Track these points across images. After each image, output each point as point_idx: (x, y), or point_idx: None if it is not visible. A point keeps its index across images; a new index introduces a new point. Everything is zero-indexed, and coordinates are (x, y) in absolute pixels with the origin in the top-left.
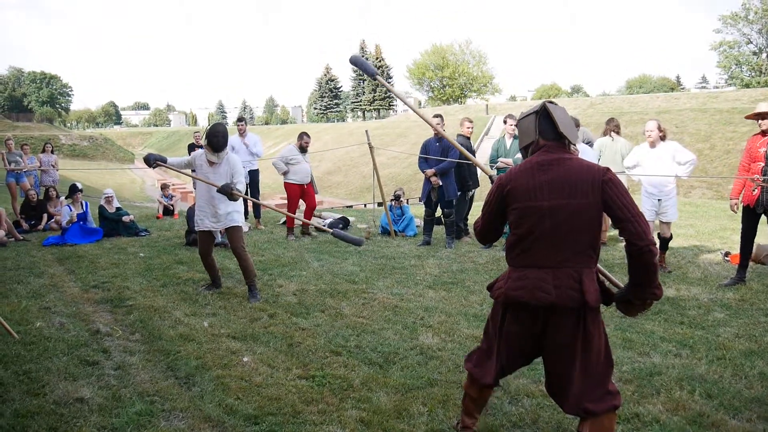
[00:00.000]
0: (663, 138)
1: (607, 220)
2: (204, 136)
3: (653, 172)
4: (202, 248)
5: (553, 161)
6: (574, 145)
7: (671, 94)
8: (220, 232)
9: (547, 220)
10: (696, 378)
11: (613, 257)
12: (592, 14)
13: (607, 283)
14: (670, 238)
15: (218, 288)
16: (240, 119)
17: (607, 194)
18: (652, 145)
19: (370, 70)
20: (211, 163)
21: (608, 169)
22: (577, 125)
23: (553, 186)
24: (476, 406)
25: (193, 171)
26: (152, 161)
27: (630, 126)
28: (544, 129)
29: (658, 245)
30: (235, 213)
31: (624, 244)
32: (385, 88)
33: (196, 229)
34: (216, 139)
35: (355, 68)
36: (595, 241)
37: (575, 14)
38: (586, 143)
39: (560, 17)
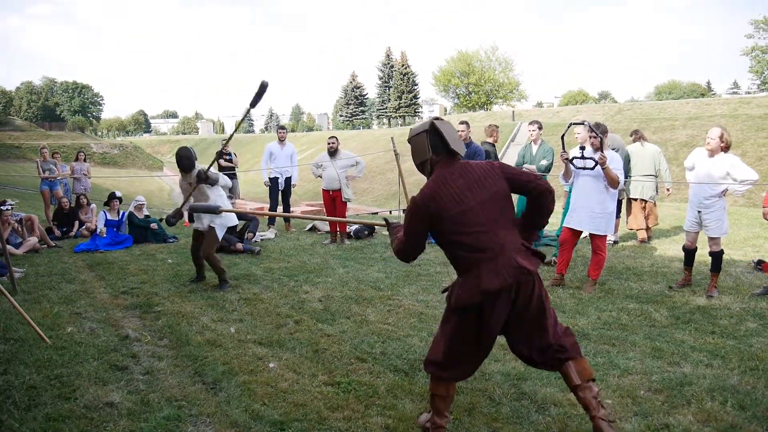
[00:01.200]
0: (725, 149)
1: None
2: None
3: (701, 180)
4: (193, 244)
5: (458, 168)
6: (461, 156)
7: (702, 99)
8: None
9: (479, 216)
10: (728, 389)
11: (642, 265)
12: (620, 19)
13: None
14: (721, 253)
15: (203, 279)
16: (282, 127)
17: (507, 175)
18: (711, 154)
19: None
20: (189, 183)
21: (499, 163)
22: (605, 132)
23: (470, 187)
24: (446, 404)
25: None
26: (173, 222)
27: (659, 133)
28: (435, 145)
29: (709, 262)
30: (215, 224)
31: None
32: (411, 95)
33: (193, 227)
34: (182, 162)
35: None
36: (513, 215)
37: (603, 19)
38: (614, 150)
39: (587, 23)
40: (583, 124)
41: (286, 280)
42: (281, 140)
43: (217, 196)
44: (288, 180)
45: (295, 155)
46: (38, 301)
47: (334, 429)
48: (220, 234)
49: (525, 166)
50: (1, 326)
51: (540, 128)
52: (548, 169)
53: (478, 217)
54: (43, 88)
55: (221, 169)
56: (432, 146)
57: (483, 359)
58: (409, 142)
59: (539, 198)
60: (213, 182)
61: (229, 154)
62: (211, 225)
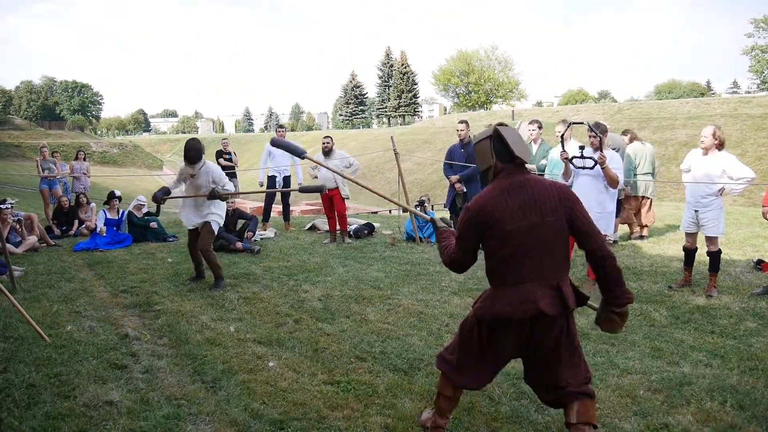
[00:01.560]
0: (720, 147)
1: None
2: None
3: (697, 180)
4: (189, 243)
5: (518, 184)
6: (528, 163)
7: (701, 99)
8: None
9: (525, 239)
10: (727, 388)
11: (641, 264)
12: (620, 19)
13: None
14: (718, 253)
15: (202, 278)
16: (281, 126)
17: (573, 212)
18: (705, 152)
19: (297, 150)
20: (191, 176)
21: (567, 187)
22: (605, 132)
23: (524, 208)
24: (450, 406)
25: (183, 185)
26: (159, 198)
27: (659, 132)
28: (499, 152)
29: (707, 262)
30: (213, 214)
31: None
32: (411, 94)
33: (186, 226)
34: (190, 153)
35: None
36: (567, 252)
37: (602, 18)
38: (615, 149)
39: (587, 22)
40: (582, 123)
41: (286, 279)
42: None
43: (226, 183)
44: (287, 179)
45: None
46: (38, 299)
47: (334, 428)
48: (216, 228)
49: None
50: (1, 325)
51: (540, 127)
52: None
53: (522, 242)
54: (42, 87)
55: (222, 168)
56: (495, 153)
57: (493, 375)
58: (474, 147)
59: (596, 264)
60: (223, 199)
61: (229, 154)
62: (206, 220)
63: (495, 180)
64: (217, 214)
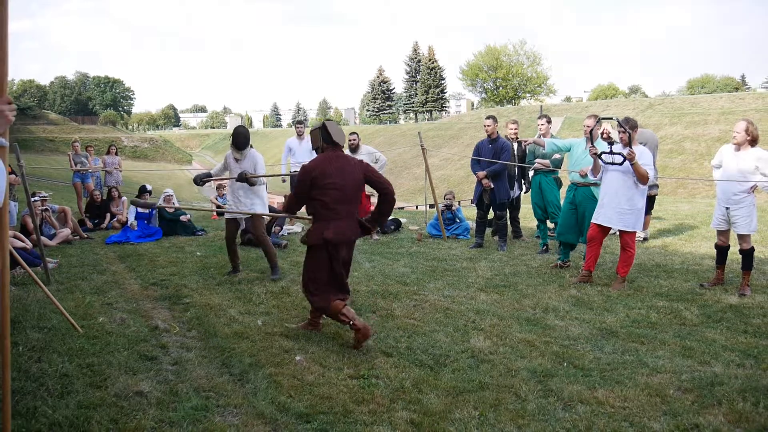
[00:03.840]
0: (753, 143)
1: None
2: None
3: (729, 176)
4: (228, 234)
5: (337, 156)
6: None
7: (735, 94)
8: (273, 231)
9: (339, 190)
10: (760, 389)
11: (672, 262)
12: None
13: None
14: (751, 251)
15: (237, 272)
16: (299, 122)
17: (367, 175)
18: (738, 148)
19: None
20: (237, 160)
21: (362, 161)
22: (634, 127)
23: (342, 170)
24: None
25: (227, 172)
26: (200, 181)
27: (691, 127)
28: (325, 137)
29: (740, 260)
30: (258, 205)
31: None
32: (438, 89)
33: (225, 216)
34: (238, 139)
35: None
36: (360, 200)
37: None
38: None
39: (618, 15)
40: (611, 119)
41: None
42: (299, 135)
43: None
44: None
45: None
46: (71, 291)
47: (360, 422)
48: (265, 209)
49: (537, 160)
50: (36, 315)
51: (549, 122)
52: (560, 163)
53: (338, 192)
54: (76, 83)
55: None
56: (323, 137)
57: (339, 280)
58: (310, 133)
59: (380, 198)
60: (252, 184)
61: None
62: (253, 205)
63: (322, 153)
64: (260, 203)
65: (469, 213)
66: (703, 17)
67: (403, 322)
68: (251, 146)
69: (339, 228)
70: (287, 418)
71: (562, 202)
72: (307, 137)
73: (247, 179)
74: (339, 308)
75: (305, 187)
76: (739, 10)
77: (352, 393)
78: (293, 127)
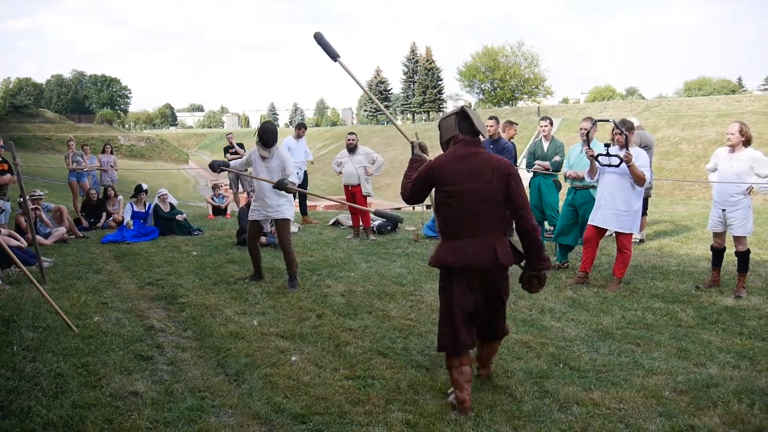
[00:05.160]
0: (746, 144)
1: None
2: (256, 134)
3: (725, 178)
4: (250, 237)
5: (471, 154)
6: (485, 138)
7: (732, 96)
8: (271, 232)
9: (466, 200)
10: (756, 391)
11: (668, 264)
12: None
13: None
14: (747, 253)
15: (260, 278)
16: (303, 126)
17: (509, 185)
18: (732, 149)
19: (332, 51)
20: (263, 158)
21: (511, 165)
22: (630, 129)
23: (471, 173)
24: (462, 377)
25: (250, 169)
26: (217, 167)
27: (688, 129)
28: (463, 126)
29: (736, 262)
30: (285, 205)
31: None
32: (436, 90)
33: (249, 218)
34: (266, 136)
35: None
36: (504, 215)
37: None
38: (644, 147)
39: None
40: (608, 121)
41: (309, 274)
42: (299, 137)
43: (291, 173)
44: (305, 174)
45: (308, 150)
46: (66, 290)
47: (355, 423)
48: (292, 214)
49: (537, 162)
50: (30, 315)
51: (551, 124)
52: (560, 166)
53: (462, 202)
54: (72, 81)
55: None
56: (459, 127)
57: (466, 326)
58: (440, 122)
59: (521, 234)
60: (289, 192)
61: (234, 147)
62: (284, 216)
63: (452, 147)
64: (288, 205)
65: None
66: (700, 19)
67: (399, 323)
68: (277, 144)
69: (460, 249)
70: (283, 418)
71: (560, 205)
72: (303, 140)
73: (285, 187)
74: (452, 364)
75: (425, 183)
76: (737, 12)
77: (348, 394)
78: (296, 129)
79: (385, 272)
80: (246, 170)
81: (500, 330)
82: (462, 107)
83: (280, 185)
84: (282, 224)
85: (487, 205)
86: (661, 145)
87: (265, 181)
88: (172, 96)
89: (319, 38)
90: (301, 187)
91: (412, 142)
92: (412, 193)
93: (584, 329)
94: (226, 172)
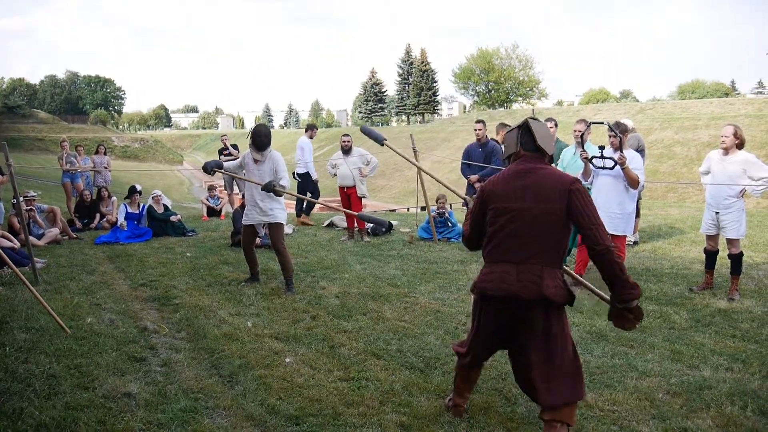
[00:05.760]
0: (740, 147)
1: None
2: (249, 136)
3: (718, 181)
4: (245, 241)
5: (529, 170)
6: (549, 155)
7: (725, 99)
8: (265, 233)
9: (516, 220)
10: (748, 393)
11: (661, 266)
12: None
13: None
14: (740, 256)
15: (256, 281)
16: (314, 127)
17: (572, 202)
18: (726, 152)
19: (378, 137)
20: (256, 161)
21: (576, 180)
22: (625, 131)
23: (525, 190)
24: (465, 386)
25: (243, 171)
26: (210, 168)
27: (681, 132)
28: (525, 142)
29: (729, 265)
30: (277, 210)
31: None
32: (431, 92)
33: (243, 222)
34: (259, 139)
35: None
36: (560, 243)
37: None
38: (639, 150)
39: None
40: (602, 123)
41: (303, 275)
42: (311, 137)
43: (283, 177)
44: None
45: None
46: (59, 291)
47: (349, 425)
48: (284, 218)
49: None
50: (23, 316)
51: (555, 125)
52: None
53: (512, 222)
54: (66, 82)
55: None
56: (521, 142)
57: (488, 351)
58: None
59: (594, 258)
60: (279, 195)
61: (228, 149)
62: (276, 221)
63: (512, 164)
64: (280, 209)
65: (460, 216)
66: (694, 22)
67: (393, 325)
68: (271, 148)
69: (500, 275)
70: (276, 420)
71: None
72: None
73: (274, 190)
74: (461, 371)
75: (479, 211)
76: (730, 15)
77: (342, 395)
78: (308, 129)
79: (380, 274)
80: (239, 172)
81: (553, 396)
82: (526, 120)
83: (268, 187)
84: (275, 229)
85: (540, 227)
86: (654, 147)
87: (254, 183)
88: (167, 97)
89: (365, 130)
90: (313, 186)
91: (464, 199)
92: (471, 228)
93: (578, 331)
94: (221, 174)
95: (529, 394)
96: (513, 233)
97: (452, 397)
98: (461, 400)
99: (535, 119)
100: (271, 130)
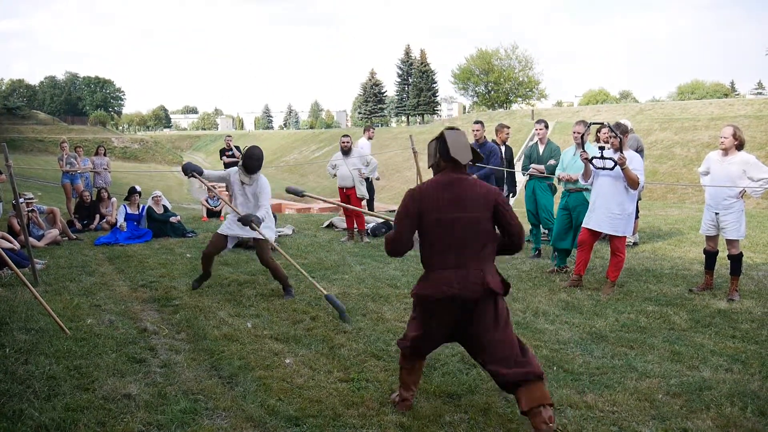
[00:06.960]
0: (739, 147)
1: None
2: (241, 158)
3: (717, 182)
4: (211, 248)
5: (452, 181)
6: (468, 164)
7: (725, 100)
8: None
9: (450, 229)
10: (748, 394)
11: (661, 267)
12: (642, 18)
13: None
14: (740, 256)
15: (205, 280)
16: (372, 127)
17: (499, 213)
18: (725, 153)
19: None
20: (242, 183)
21: (500, 192)
22: (624, 132)
23: (453, 202)
24: (412, 377)
25: (227, 186)
26: (188, 171)
27: (681, 133)
28: (442, 152)
29: (729, 265)
30: (264, 228)
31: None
32: (430, 92)
33: (219, 230)
34: (251, 162)
35: None
36: (490, 244)
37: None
38: (638, 151)
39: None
40: (602, 124)
41: (303, 276)
42: (370, 137)
43: (262, 206)
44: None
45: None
46: (59, 292)
47: (349, 426)
48: (272, 236)
49: (532, 165)
50: (23, 317)
51: (546, 127)
52: (555, 169)
53: (447, 231)
54: (65, 83)
55: (225, 165)
56: (440, 152)
57: (433, 346)
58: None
59: (511, 249)
60: (251, 228)
61: (231, 149)
62: (259, 237)
63: (437, 175)
64: (268, 227)
65: None
66: (693, 24)
67: (393, 325)
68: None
69: (443, 280)
70: (276, 421)
71: (555, 208)
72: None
73: (249, 224)
74: (404, 365)
75: (409, 221)
76: (730, 17)
77: (342, 396)
78: (367, 130)
79: (380, 274)
80: (215, 186)
81: (515, 372)
82: (443, 131)
83: (245, 221)
84: (261, 244)
85: (472, 234)
86: (654, 148)
87: (235, 210)
88: (166, 98)
89: (290, 190)
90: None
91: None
92: (402, 234)
93: (578, 332)
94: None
95: (490, 373)
96: (449, 241)
97: (399, 392)
98: (409, 393)
99: (453, 129)
100: (271, 131)
